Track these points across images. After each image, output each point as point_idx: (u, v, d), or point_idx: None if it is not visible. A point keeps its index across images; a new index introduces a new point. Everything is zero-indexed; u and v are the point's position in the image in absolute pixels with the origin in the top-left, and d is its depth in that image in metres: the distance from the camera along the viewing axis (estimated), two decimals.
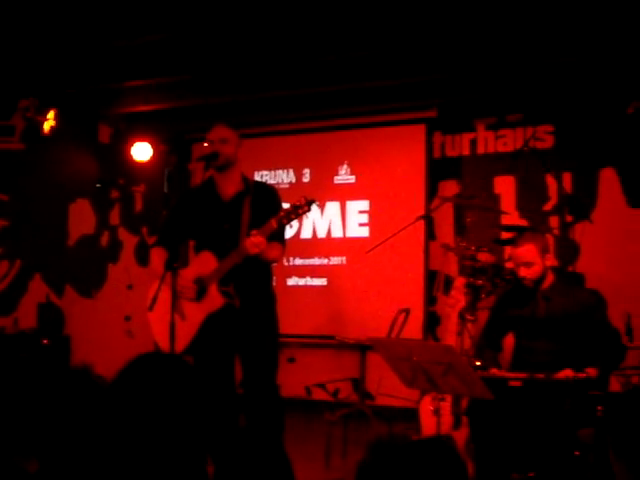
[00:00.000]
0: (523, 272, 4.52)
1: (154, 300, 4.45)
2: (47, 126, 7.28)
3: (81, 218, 8.36)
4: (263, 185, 5.02)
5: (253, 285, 4.68)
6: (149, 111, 7.74)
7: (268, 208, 4.58)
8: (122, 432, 1.92)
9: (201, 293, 4.59)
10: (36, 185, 7.79)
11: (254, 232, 4.39)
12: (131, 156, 7.94)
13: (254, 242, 4.37)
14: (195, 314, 4.59)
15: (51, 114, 7.29)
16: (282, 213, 4.41)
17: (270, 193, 4.83)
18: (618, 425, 1.98)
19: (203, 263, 4.63)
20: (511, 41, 6.06)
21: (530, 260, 4.48)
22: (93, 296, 8.36)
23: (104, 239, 8.50)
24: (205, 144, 4.75)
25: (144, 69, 6.84)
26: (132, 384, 1.97)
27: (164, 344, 4.52)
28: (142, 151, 7.95)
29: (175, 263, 4.46)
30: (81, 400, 2.12)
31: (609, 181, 6.75)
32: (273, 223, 4.39)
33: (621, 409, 1.96)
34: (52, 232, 8.11)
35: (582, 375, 4.21)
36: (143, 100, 7.44)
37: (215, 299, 4.56)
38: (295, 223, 7.50)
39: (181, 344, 4.53)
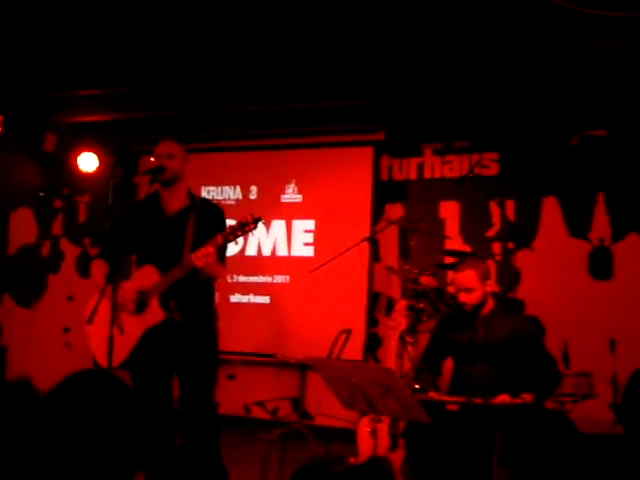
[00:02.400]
0: (463, 297, 4.57)
1: (93, 313, 4.39)
2: None
3: (22, 227, 8.24)
4: (209, 203, 5.00)
5: (195, 300, 4.65)
6: (96, 122, 7.67)
7: (212, 226, 4.57)
8: (52, 448, 1.89)
9: (142, 306, 4.55)
10: None
11: (205, 246, 4.38)
12: (76, 166, 7.84)
13: (203, 253, 4.35)
14: (134, 328, 4.54)
15: None
16: (228, 229, 4.41)
17: (215, 211, 4.82)
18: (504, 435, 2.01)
19: (145, 276, 4.58)
20: (461, 69, 6.14)
21: (470, 286, 4.54)
22: (32, 306, 8.23)
23: (45, 249, 8.38)
24: (152, 158, 4.72)
25: (93, 79, 6.77)
26: (64, 402, 1.95)
27: (101, 358, 4.46)
28: (88, 161, 7.86)
29: (116, 276, 4.41)
30: (17, 413, 2.09)
31: (551, 210, 6.86)
32: (219, 239, 4.38)
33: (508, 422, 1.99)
34: None
35: (518, 400, 4.27)
36: (90, 110, 7.37)
37: (156, 313, 4.52)
38: (240, 240, 7.48)
39: (118, 358, 4.47)
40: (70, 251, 8.43)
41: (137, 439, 1.97)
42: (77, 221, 8.46)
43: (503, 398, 4.28)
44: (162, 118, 7.49)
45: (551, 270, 6.71)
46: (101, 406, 1.96)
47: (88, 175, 7.96)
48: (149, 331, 4.52)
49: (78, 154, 7.84)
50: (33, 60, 6.57)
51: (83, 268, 8.19)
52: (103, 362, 4.41)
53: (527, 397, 4.30)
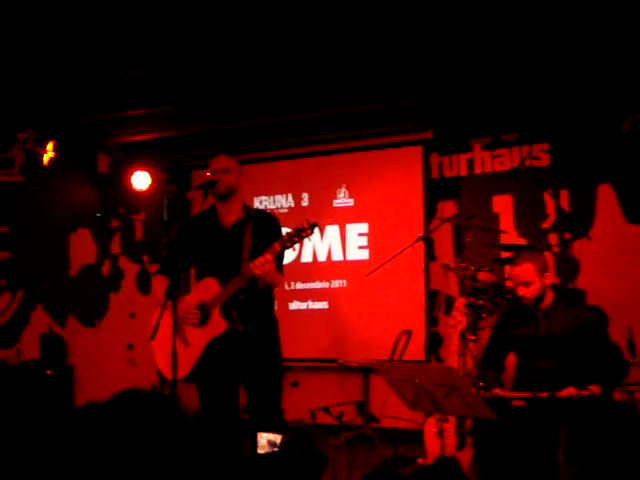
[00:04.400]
0: (522, 291, 4.54)
1: (156, 328, 4.46)
2: (46, 158, 7.33)
3: (82, 248, 8.39)
4: (264, 213, 5.07)
5: (256, 310, 4.71)
6: (147, 140, 7.79)
7: (269, 234, 4.63)
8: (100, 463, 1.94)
9: (204, 318, 4.61)
10: (36, 216, 7.84)
11: (264, 255, 4.43)
12: (130, 185, 7.97)
13: (262, 261, 4.41)
14: (198, 340, 4.60)
15: (50, 146, 7.34)
16: (285, 236, 4.46)
17: (271, 220, 4.88)
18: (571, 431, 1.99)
19: (206, 289, 4.65)
20: (505, 60, 6.10)
21: (528, 279, 4.50)
22: (96, 325, 8.38)
23: (105, 268, 8.52)
24: (207, 173, 4.80)
25: (141, 98, 6.89)
26: (111, 421, 1.99)
27: (167, 371, 4.53)
28: (141, 180, 7.98)
29: (177, 291, 4.49)
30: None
31: (607, 197, 6.77)
32: (277, 246, 4.44)
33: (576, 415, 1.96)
34: (53, 262, 8.13)
35: (585, 393, 4.22)
36: (140, 129, 7.50)
37: (218, 324, 4.58)
38: (296, 247, 7.53)
39: (184, 371, 4.55)
40: (129, 269, 8.56)
41: (182, 456, 2.00)
42: (134, 239, 8.60)
43: (569, 391, 4.24)
44: (212, 132, 7.58)
45: (610, 258, 6.61)
46: (146, 425, 1.99)
47: (142, 193, 8.09)
48: (212, 342, 4.58)
49: (131, 173, 7.97)
50: (81, 83, 6.71)
51: (143, 285, 8.31)
52: (169, 376, 4.48)
53: (594, 389, 4.26)
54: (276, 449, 3.85)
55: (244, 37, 5.86)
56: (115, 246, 8.58)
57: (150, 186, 8.02)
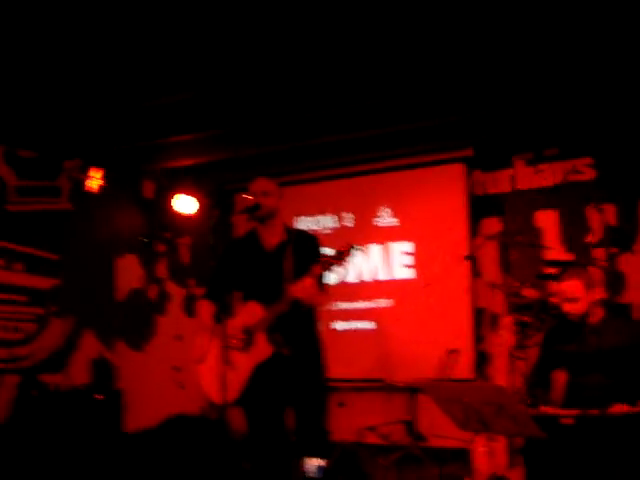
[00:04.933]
0: (568, 307, 4.51)
1: (204, 353, 4.50)
2: (95, 185, 7.46)
3: (129, 272, 8.49)
4: (305, 233, 5.08)
5: (301, 332, 4.72)
6: (190, 165, 7.89)
7: (310, 256, 4.64)
8: None
9: (249, 343, 4.64)
10: (84, 243, 7.95)
11: (304, 277, 4.45)
12: (175, 209, 8.08)
13: (302, 285, 4.43)
14: (244, 364, 4.63)
15: (98, 174, 7.48)
16: (325, 259, 4.47)
17: (311, 241, 4.89)
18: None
19: (250, 313, 4.68)
20: (544, 74, 6.08)
21: (576, 295, 4.47)
22: (143, 349, 8.45)
23: (152, 292, 8.62)
24: (248, 197, 4.83)
25: (184, 124, 6.98)
26: (160, 447, 2.03)
27: (214, 396, 4.57)
28: (186, 204, 8.09)
29: (223, 315, 4.53)
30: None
31: None
32: (316, 270, 4.45)
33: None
34: (102, 287, 8.24)
35: (636, 409, 4.17)
36: (184, 155, 7.60)
37: (263, 348, 4.60)
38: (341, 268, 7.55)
39: (231, 395, 4.57)
40: (176, 292, 8.65)
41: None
42: (181, 263, 8.69)
43: (620, 408, 4.19)
44: (253, 156, 7.65)
45: None
46: (195, 451, 2.03)
47: (187, 217, 8.19)
48: (259, 367, 4.60)
49: (176, 197, 8.07)
50: (125, 111, 6.81)
51: (189, 308, 8.39)
52: (216, 400, 4.51)
53: None
54: (322, 473, 3.86)
55: (283, 59, 5.90)
56: (162, 270, 8.68)
57: (195, 210, 8.11)
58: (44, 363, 7.55)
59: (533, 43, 5.66)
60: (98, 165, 7.52)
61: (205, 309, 4.85)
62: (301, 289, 4.44)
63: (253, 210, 4.73)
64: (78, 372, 7.85)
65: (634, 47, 5.58)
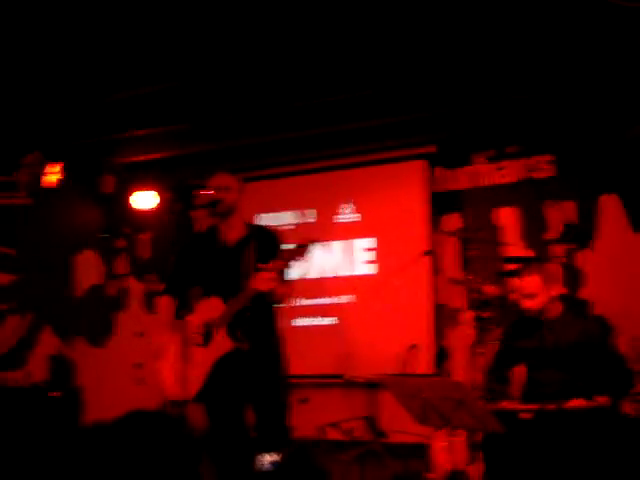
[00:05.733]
0: (527, 303, 4.55)
1: (162, 349, 4.47)
2: (54, 179, 7.37)
3: (88, 268, 8.42)
4: (265, 229, 5.07)
5: (261, 327, 4.70)
6: (152, 159, 7.82)
7: (271, 251, 4.63)
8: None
9: (209, 338, 4.62)
10: (43, 238, 7.86)
11: (266, 266, 4.44)
12: (135, 205, 8.00)
13: (266, 277, 4.42)
14: (204, 360, 4.60)
15: (57, 168, 7.38)
16: (285, 254, 4.47)
17: (272, 236, 4.88)
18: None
19: (210, 308, 4.66)
20: (506, 72, 6.12)
21: (534, 291, 4.51)
22: (103, 345, 8.39)
23: (112, 288, 8.54)
24: (207, 192, 4.81)
25: (145, 119, 6.93)
26: (117, 440, 2.01)
27: (173, 392, 4.54)
28: (146, 199, 8.02)
29: (183, 310, 4.50)
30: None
31: (612, 207, 6.76)
32: (276, 264, 4.44)
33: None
34: (60, 284, 8.16)
35: (593, 403, 4.21)
36: (145, 149, 7.54)
37: (223, 343, 4.58)
38: (302, 263, 7.55)
39: (192, 391, 4.54)
40: (136, 288, 8.58)
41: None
42: (140, 258, 8.62)
43: (577, 402, 4.23)
44: (215, 150, 7.61)
45: (616, 268, 6.60)
46: (152, 446, 2.01)
47: (147, 212, 8.12)
48: (218, 362, 4.58)
49: (136, 193, 8.00)
50: (86, 104, 6.74)
51: (149, 304, 8.33)
52: (176, 396, 4.48)
53: (602, 399, 4.25)
54: (276, 468, 3.85)
55: (245, 54, 5.88)
56: (121, 266, 8.61)
57: (156, 205, 8.05)
58: (3, 359, 7.46)
59: (495, 42, 5.70)
60: (57, 159, 7.43)
61: (165, 305, 4.82)
62: (260, 282, 4.43)
63: (213, 205, 4.71)
64: (37, 369, 7.77)
65: (595, 44, 5.64)
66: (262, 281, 4.43)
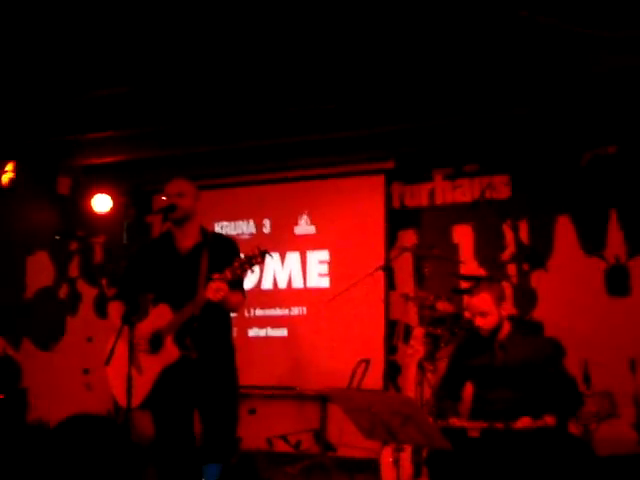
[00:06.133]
0: (479, 322, 4.56)
1: (111, 354, 4.40)
2: (5, 178, 7.25)
3: (40, 270, 8.30)
4: (221, 237, 5.03)
5: (211, 336, 4.67)
6: (108, 163, 7.74)
7: (226, 260, 4.59)
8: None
9: (157, 346, 4.57)
10: None
11: (216, 276, 4.40)
12: (91, 208, 7.91)
13: (216, 287, 4.38)
14: (151, 367, 4.55)
15: (10, 166, 7.27)
16: (236, 264, 4.44)
17: (228, 244, 4.84)
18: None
19: (159, 316, 4.61)
20: (466, 93, 6.17)
21: (485, 310, 4.52)
22: (51, 349, 8.26)
23: (63, 291, 8.43)
24: (163, 197, 4.76)
25: (103, 121, 6.85)
26: (61, 444, 1.98)
27: (121, 398, 4.48)
28: (102, 203, 7.93)
29: (133, 316, 4.44)
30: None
31: (565, 229, 6.85)
32: (227, 274, 4.42)
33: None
34: (10, 285, 8.03)
35: (540, 423, 4.24)
36: (102, 152, 7.45)
37: (171, 351, 4.53)
38: (256, 274, 7.52)
39: (138, 398, 4.49)
40: (87, 292, 8.48)
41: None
42: (93, 262, 8.52)
43: (525, 422, 4.25)
44: (173, 157, 7.55)
45: (568, 290, 6.68)
46: (93, 450, 1.98)
47: (102, 216, 8.02)
48: (166, 370, 4.54)
49: (92, 196, 7.91)
50: (43, 104, 6.65)
51: (101, 309, 8.23)
52: (123, 402, 4.42)
53: (549, 420, 4.27)
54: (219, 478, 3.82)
55: (204, 61, 5.85)
56: (73, 269, 8.50)
57: (111, 209, 7.96)
58: None
59: (456, 59, 5.74)
60: (11, 158, 7.32)
61: (115, 310, 4.76)
62: (211, 291, 4.39)
63: (168, 211, 4.66)
64: None
65: (553, 69, 5.71)
66: (213, 290, 4.39)
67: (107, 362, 4.48)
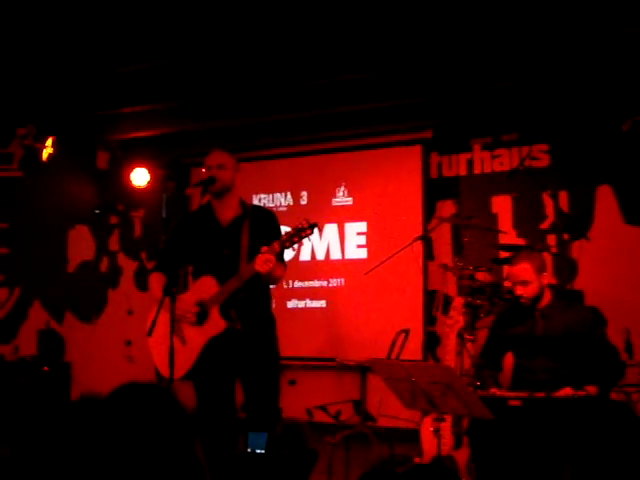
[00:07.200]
0: (520, 291, 4.53)
1: (153, 325, 4.44)
2: (45, 153, 7.32)
3: (80, 244, 8.39)
4: (261, 209, 5.04)
5: (254, 308, 4.68)
6: (146, 137, 7.79)
7: (266, 232, 4.60)
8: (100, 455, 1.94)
9: (202, 317, 4.59)
10: (35, 212, 7.83)
11: (264, 249, 4.40)
12: (129, 182, 7.97)
13: (265, 259, 4.38)
14: (196, 338, 4.59)
15: (49, 141, 7.34)
16: (285, 236, 4.42)
17: (268, 217, 4.84)
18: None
19: (204, 287, 4.63)
20: (505, 60, 6.10)
21: (526, 279, 4.50)
22: (93, 322, 8.37)
23: (104, 265, 8.52)
24: (203, 170, 4.77)
25: (141, 95, 6.89)
26: (112, 414, 1.99)
27: (164, 369, 4.52)
28: (140, 176, 7.98)
29: (174, 288, 4.47)
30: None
31: (605, 198, 6.77)
32: (276, 246, 4.40)
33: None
34: (52, 259, 8.13)
35: (582, 393, 4.21)
36: (140, 126, 7.49)
37: (217, 323, 4.55)
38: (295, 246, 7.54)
39: (182, 369, 4.53)
40: (128, 266, 8.57)
41: (180, 452, 1.99)
42: (133, 236, 8.60)
43: (566, 391, 4.23)
44: (211, 129, 7.58)
45: (609, 259, 6.62)
46: (148, 418, 1.99)
47: (141, 190, 8.09)
48: (211, 341, 4.57)
49: (130, 170, 7.96)
50: (81, 80, 6.70)
51: (141, 282, 8.32)
52: (166, 373, 4.46)
53: (591, 389, 4.25)
54: (266, 448, 3.85)
55: (244, 34, 5.84)
56: (114, 243, 8.58)
57: (149, 183, 8.02)
58: None
59: (496, 27, 5.68)
60: (51, 133, 7.38)
61: (155, 282, 4.78)
62: (260, 263, 4.39)
63: (208, 183, 4.66)
64: (26, 343, 7.76)
65: (593, 35, 5.63)
66: (262, 262, 4.39)
67: (149, 333, 4.53)
